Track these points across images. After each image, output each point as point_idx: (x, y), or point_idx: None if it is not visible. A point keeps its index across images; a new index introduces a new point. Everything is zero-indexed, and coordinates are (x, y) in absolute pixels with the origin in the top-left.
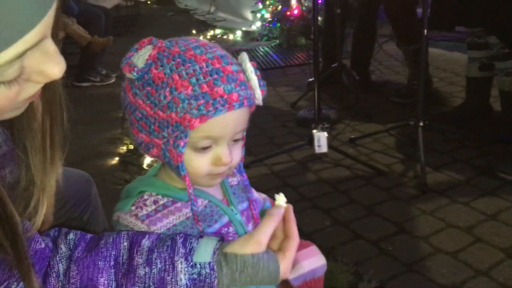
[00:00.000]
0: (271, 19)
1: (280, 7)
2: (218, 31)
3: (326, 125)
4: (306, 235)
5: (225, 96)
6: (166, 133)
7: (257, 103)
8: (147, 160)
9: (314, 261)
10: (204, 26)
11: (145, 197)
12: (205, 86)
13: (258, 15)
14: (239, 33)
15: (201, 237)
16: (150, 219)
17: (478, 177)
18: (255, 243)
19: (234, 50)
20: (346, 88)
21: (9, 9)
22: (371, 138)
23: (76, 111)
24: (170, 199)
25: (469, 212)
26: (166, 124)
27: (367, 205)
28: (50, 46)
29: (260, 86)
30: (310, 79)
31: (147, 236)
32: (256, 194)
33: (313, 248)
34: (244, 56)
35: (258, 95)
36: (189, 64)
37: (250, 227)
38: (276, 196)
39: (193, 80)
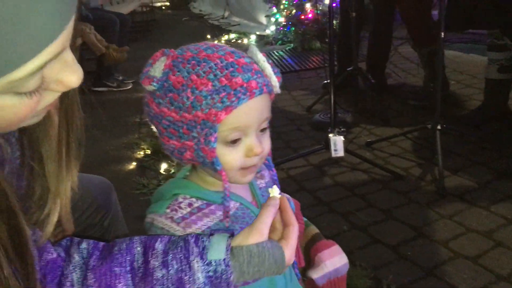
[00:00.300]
0: (285, 23)
1: (294, 11)
2: (232, 35)
3: (342, 129)
4: None
5: (245, 85)
6: (196, 133)
7: (275, 91)
8: (164, 165)
9: (337, 260)
10: (218, 30)
11: (180, 199)
12: (223, 79)
13: (272, 19)
14: (253, 37)
15: (212, 235)
16: (186, 222)
17: (498, 181)
18: (257, 233)
19: None
20: (362, 91)
21: (31, 23)
22: (388, 141)
23: (93, 116)
24: (204, 201)
25: (489, 216)
26: (194, 124)
27: (385, 209)
28: (68, 55)
29: (274, 73)
30: (325, 81)
31: (159, 239)
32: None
33: (336, 248)
34: (254, 48)
35: (275, 82)
36: (204, 63)
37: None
38: (269, 189)
39: (211, 76)
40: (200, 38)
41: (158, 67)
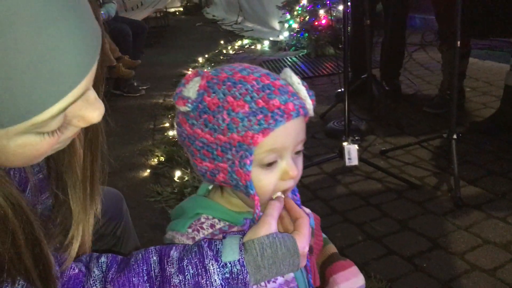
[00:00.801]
0: (299, 29)
1: (308, 17)
2: (245, 41)
3: (356, 138)
4: (338, 250)
5: (282, 107)
6: (231, 155)
7: (310, 114)
8: (178, 172)
9: (353, 282)
10: (231, 36)
11: (202, 220)
12: (260, 101)
13: (286, 25)
14: (266, 43)
15: (224, 237)
16: None
17: None
18: (264, 225)
19: (262, 60)
20: (376, 99)
21: (56, 68)
22: (403, 150)
23: (107, 123)
24: (227, 223)
25: (506, 228)
26: (229, 146)
27: (400, 219)
28: (91, 94)
29: (309, 96)
30: (339, 90)
31: (174, 247)
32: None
33: (353, 269)
34: (288, 70)
35: (309, 105)
36: (240, 85)
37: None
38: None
39: (248, 98)
40: (213, 44)
41: (192, 88)
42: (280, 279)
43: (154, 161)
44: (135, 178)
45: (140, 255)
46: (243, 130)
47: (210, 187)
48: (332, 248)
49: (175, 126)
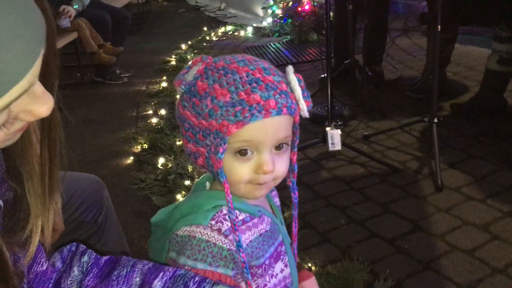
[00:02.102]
0: (282, 15)
1: (291, 3)
2: (229, 27)
3: (339, 123)
4: (321, 234)
5: (262, 103)
6: (209, 141)
7: (302, 114)
8: (161, 159)
9: None
10: (215, 22)
11: (224, 211)
12: (242, 93)
13: (269, 11)
14: (250, 30)
15: (216, 284)
16: (233, 235)
17: (494, 174)
18: None
19: (245, 46)
20: (359, 84)
21: None
22: (385, 135)
23: (90, 111)
24: (248, 214)
25: (485, 210)
26: (208, 132)
27: (382, 203)
28: (38, 88)
29: (304, 97)
30: (322, 75)
31: (160, 275)
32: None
33: (313, 279)
34: (289, 68)
35: (302, 106)
36: (230, 75)
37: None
38: None
39: (232, 88)
40: (196, 30)
41: (192, 71)
42: (280, 275)
43: (138, 148)
44: (119, 165)
45: (125, 271)
46: (220, 118)
47: (208, 184)
48: (297, 258)
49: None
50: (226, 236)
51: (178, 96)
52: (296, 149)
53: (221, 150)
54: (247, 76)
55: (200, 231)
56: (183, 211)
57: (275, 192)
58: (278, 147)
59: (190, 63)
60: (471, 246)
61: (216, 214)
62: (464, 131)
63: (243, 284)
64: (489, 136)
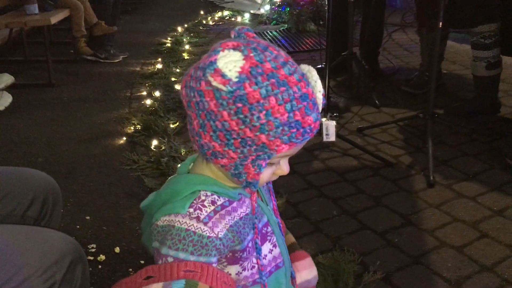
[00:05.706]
0: (280, 3)
1: None
2: (226, 12)
3: (334, 114)
4: (313, 224)
5: (312, 125)
6: (247, 151)
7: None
8: (155, 141)
9: (310, 271)
10: (212, 7)
11: (202, 197)
12: (298, 113)
13: None
14: (247, 16)
15: None
16: (212, 221)
17: (486, 172)
18: None
19: None
20: (355, 76)
21: None
22: (380, 128)
23: (84, 88)
24: (226, 198)
25: (475, 207)
26: (251, 143)
27: (375, 196)
28: None
29: (322, 104)
30: (319, 66)
31: None
32: None
33: (309, 260)
34: (315, 74)
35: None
36: (284, 88)
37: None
38: None
39: (288, 107)
40: (193, 14)
41: (231, 65)
42: (269, 255)
43: (131, 129)
44: (111, 145)
45: None
46: (274, 136)
47: (190, 165)
48: (291, 238)
49: (185, 84)
50: (205, 224)
51: (183, 80)
52: None
53: (263, 164)
54: (298, 91)
55: (179, 220)
56: (162, 197)
57: None
58: None
59: (219, 47)
60: (460, 243)
61: (194, 201)
62: (457, 128)
63: (228, 268)
64: (482, 135)
